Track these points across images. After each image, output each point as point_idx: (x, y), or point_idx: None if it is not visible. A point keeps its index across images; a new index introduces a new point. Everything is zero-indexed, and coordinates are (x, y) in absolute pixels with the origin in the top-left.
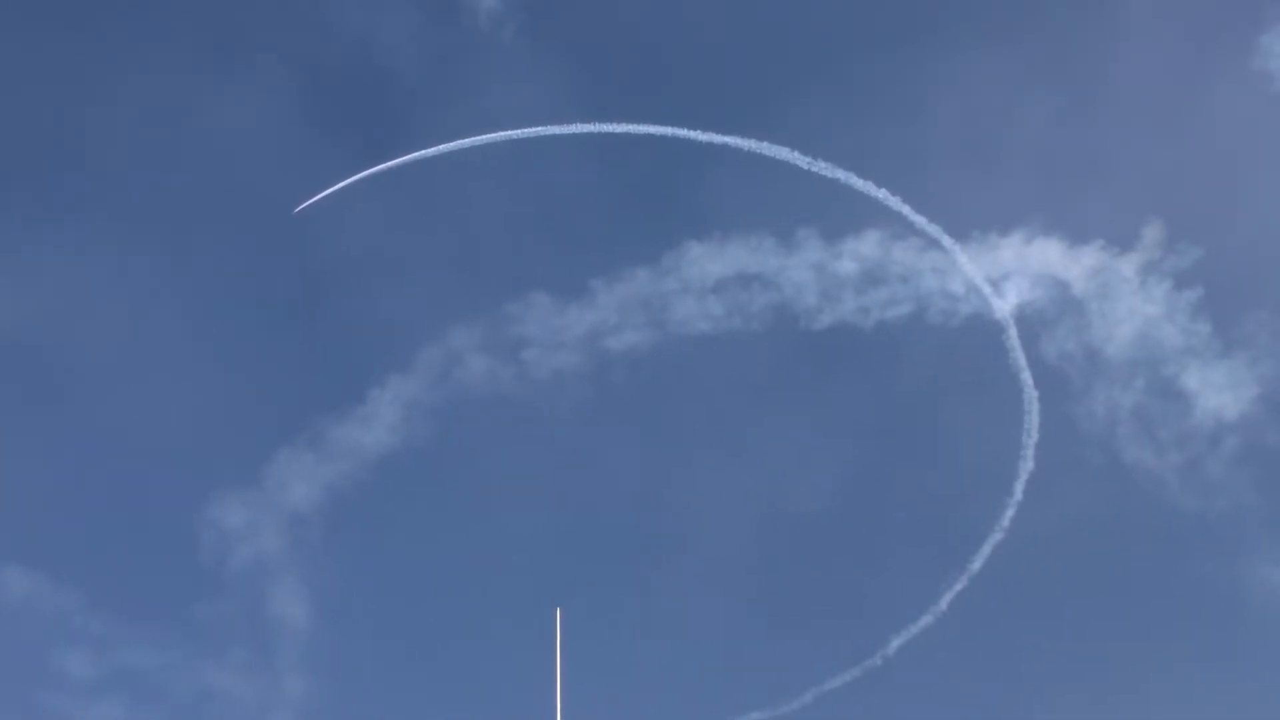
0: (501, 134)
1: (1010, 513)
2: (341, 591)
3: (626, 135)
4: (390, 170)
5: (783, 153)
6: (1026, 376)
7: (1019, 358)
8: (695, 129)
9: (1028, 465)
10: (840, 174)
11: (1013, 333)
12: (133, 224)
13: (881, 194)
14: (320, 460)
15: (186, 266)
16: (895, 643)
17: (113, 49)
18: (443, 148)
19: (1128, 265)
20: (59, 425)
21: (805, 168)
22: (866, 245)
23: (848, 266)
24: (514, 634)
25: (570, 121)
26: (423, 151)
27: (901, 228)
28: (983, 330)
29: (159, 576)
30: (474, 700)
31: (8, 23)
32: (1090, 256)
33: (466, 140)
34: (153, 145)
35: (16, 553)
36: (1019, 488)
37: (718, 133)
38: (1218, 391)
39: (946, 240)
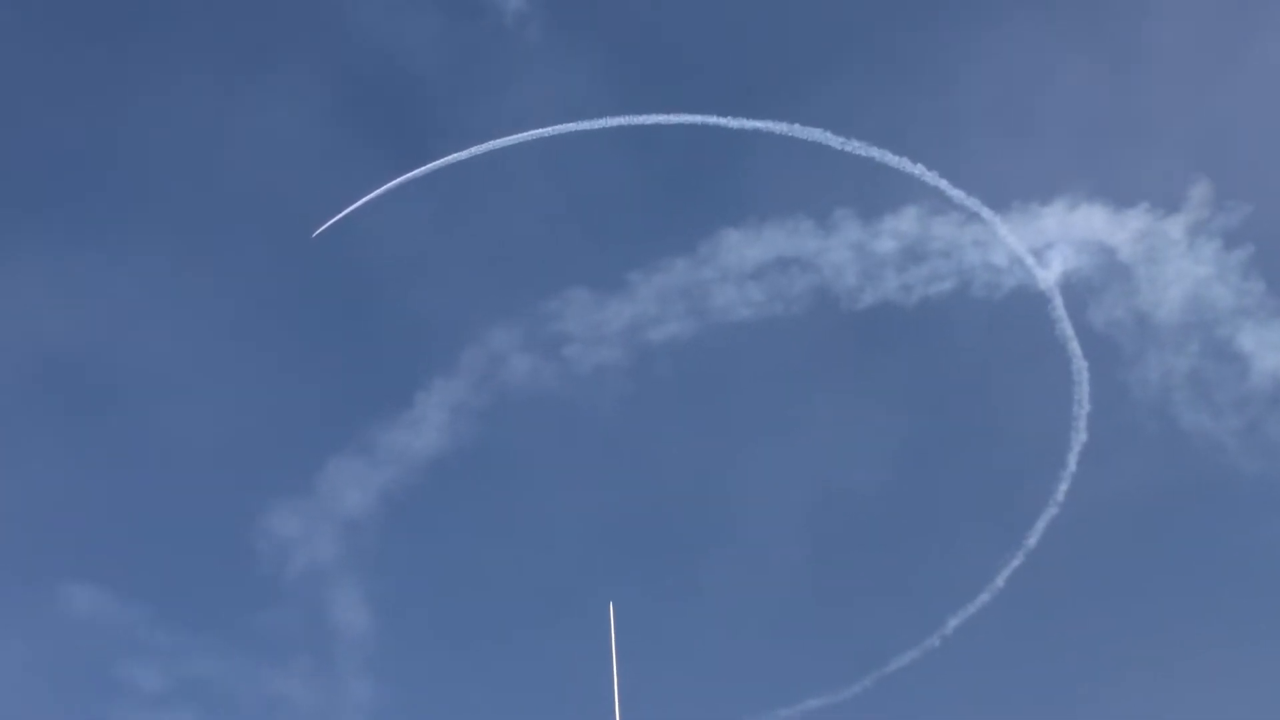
0: (530, 133)
1: (1064, 486)
2: (398, 594)
3: (656, 126)
4: (417, 178)
5: (815, 134)
6: (1075, 346)
7: (1066, 328)
8: (725, 115)
9: (1080, 436)
10: (875, 152)
11: (1058, 303)
12: (172, 235)
13: (918, 170)
14: (371, 466)
15: (225, 277)
16: (953, 623)
17: (143, 63)
18: (474, 150)
19: (1175, 227)
20: (111, 440)
21: (839, 148)
22: (905, 222)
23: (887, 245)
24: (570, 629)
25: (598, 116)
26: (453, 156)
27: (940, 202)
28: (1029, 301)
29: (220, 588)
30: (534, 695)
31: (40, 40)
32: (1136, 220)
33: (495, 142)
34: (188, 156)
35: (81, 569)
36: (1072, 460)
37: (748, 118)
38: (1274, 351)
39: (986, 213)
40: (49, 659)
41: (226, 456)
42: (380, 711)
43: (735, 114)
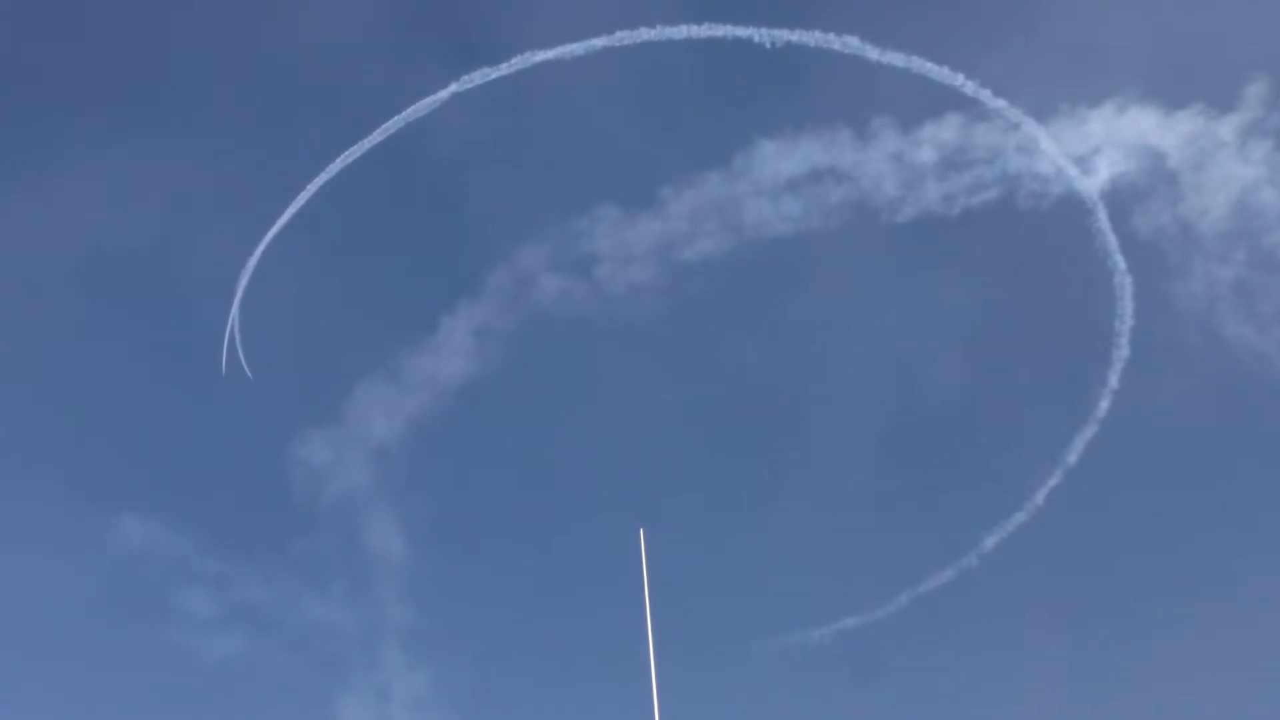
0: (557, 50)
1: (1106, 403)
2: (431, 520)
3: (688, 40)
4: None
5: (851, 44)
6: (1119, 259)
7: (1109, 240)
8: (759, 26)
9: (1123, 352)
10: (914, 62)
11: (1102, 214)
12: (223, 134)
13: (959, 79)
14: (399, 392)
15: (265, 186)
16: (990, 541)
17: None
18: (503, 68)
19: (1227, 128)
20: (154, 357)
21: (875, 59)
22: (946, 130)
23: (927, 155)
24: (602, 554)
25: (628, 28)
26: (480, 73)
27: (983, 110)
28: (1074, 211)
29: (259, 516)
30: (567, 618)
31: None
32: (1187, 122)
33: (519, 59)
34: (248, 56)
35: (129, 500)
36: (1114, 376)
37: (782, 28)
38: None
39: (1029, 124)
40: (111, 588)
41: (258, 386)
42: (418, 631)
43: (768, 25)
